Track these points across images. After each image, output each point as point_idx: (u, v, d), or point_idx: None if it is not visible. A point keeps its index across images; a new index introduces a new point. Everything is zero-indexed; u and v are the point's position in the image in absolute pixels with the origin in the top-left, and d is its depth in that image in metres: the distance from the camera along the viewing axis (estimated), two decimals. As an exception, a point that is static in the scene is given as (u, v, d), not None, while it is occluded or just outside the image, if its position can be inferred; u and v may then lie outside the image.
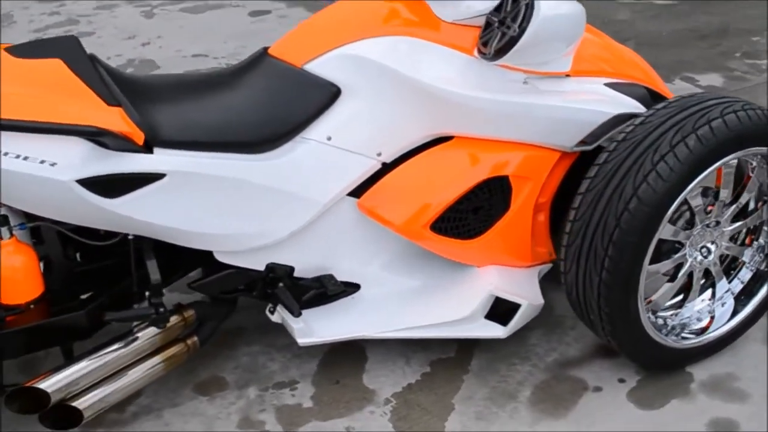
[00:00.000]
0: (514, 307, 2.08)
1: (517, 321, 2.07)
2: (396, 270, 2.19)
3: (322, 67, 2.00)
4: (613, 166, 1.93)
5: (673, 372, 2.15)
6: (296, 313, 2.01)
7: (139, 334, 1.90)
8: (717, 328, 2.17)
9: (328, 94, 2.00)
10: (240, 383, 2.14)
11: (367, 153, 2.04)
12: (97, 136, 1.71)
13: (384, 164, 2.07)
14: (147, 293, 1.90)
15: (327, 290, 2.09)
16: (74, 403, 1.77)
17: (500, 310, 2.09)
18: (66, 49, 1.82)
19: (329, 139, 2.00)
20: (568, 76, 2.13)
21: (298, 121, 1.98)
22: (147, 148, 1.81)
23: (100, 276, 1.97)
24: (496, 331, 2.07)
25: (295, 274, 2.08)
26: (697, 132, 1.88)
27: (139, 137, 1.78)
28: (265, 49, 2.10)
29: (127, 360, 1.88)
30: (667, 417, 2.03)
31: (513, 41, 1.93)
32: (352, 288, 2.15)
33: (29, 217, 1.85)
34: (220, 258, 2.01)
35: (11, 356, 1.84)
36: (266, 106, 1.97)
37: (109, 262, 1.96)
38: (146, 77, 2.09)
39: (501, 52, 1.96)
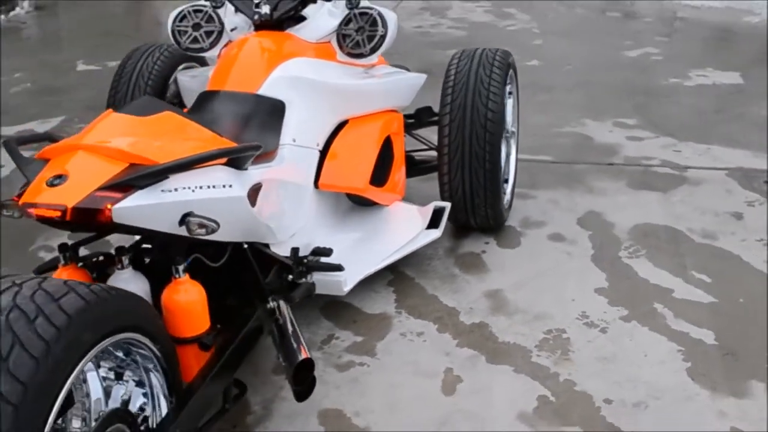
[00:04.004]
0: (439, 213, 2.96)
1: (443, 222, 2.95)
2: (341, 230, 2.85)
3: (267, 89, 2.56)
4: (460, 100, 2.97)
5: (504, 227, 3.29)
6: (342, 268, 2.55)
7: (284, 310, 2.23)
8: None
9: (280, 108, 2.57)
10: (299, 355, 2.56)
11: (313, 145, 2.67)
12: (256, 150, 2.06)
13: (320, 152, 2.72)
14: (290, 276, 2.27)
15: (327, 255, 2.65)
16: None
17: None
18: (160, 103, 2.07)
19: (294, 140, 2.57)
20: (374, 65, 3.07)
21: (274, 132, 2.52)
22: None
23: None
24: (436, 234, 2.91)
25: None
26: (494, 65, 3.04)
27: None
28: (209, 90, 2.54)
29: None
30: (528, 246, 3.17)
31: (382, 39, 2.82)
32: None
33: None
34: (274, 250, 2.43)
35: (235, 369, 2.04)
36: (257, 125, 2.46)
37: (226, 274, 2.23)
38: None
39: (376, 48, 2.82)
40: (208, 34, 2.94)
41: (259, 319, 2.16)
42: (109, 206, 1.75)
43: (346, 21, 2.85)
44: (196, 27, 2.95)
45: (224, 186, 1.99)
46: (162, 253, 2.15)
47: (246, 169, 2.13)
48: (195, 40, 2.94)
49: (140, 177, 1.80)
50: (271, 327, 2.20)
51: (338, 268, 2.55)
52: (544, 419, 2.25)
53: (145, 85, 3.20)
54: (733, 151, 4.00)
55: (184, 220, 1.86)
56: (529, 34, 6.30)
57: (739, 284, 2.87)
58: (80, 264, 2.09)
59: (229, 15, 2.98)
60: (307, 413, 2.29)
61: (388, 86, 2.97)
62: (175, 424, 1.74)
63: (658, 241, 3.17)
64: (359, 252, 2.78)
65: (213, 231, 1.87)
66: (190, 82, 3.04)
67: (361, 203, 2.98)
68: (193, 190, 1.90)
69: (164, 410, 1.81)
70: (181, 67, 3.35)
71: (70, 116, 4.80)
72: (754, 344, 2.54)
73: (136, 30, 7.19)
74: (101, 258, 2.22)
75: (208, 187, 1.95)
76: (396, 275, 2.97)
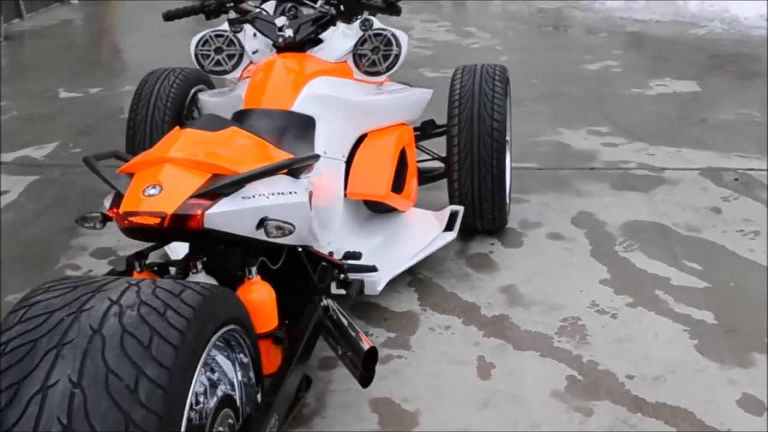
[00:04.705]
0: (453, 216, 3.18)
1: (457, 224, 3.18)
2: (364, 236, 3.05)
3: (299, 107, 2.76)
4: (467, 112, 3.21)
5: (505, 229, 3.53)
6: (376, 269, 2.75)
7: (334, 307, 2.42)
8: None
9: (312, 123, 2.77)
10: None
11: (340, 157, 2.88)
12: (317, 159, 2.26)
13: (345, 163, 2.93)
14: (340, 275, 2.46)
15: (357, 258, 2.85)
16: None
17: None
18: (224, 119, 2.25)
19: (325, 153, 2.78)
20: (382, 83, 3.30)
21: (310, 146, 2.72)
22: None
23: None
24: (451, 236, 3.14)
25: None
26: (495, 75, 3.30)
27: None
28: (246, 108, 2.73)
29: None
30: (530, 245, 3.42)
31: (397, 57, 3.05)
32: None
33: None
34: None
35: (307, 361, 2.23)
36: (294, 139, 2.65)
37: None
38: None
39: (391, 66, 3.05)
40: (230, 57, 3.13)
41: (316, 316, 2.34)
42: (201, 212, 1.92)
43: (361, 42, 3.08)
44: (218, 51, 3.14)
45: (291, 192, 2.17)
46: (221, 260, 2.30)
47: (299, 178, 2.32)
48: (218, 63, 3.13)
49: (225, 185, 1.98)
50: (326, 323, 2.38)
51: (373, 269, 2.75)
52: (576, 395, 2.48)
53: (164, 107, 3.36)
54: (701, 152, 4.34)
55: (261, 224, 2.04)
56: (493, 51, 6.62)
57: (727, 270, 3.16)
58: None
59: (248, 39, 3.18)
60: (359, 403, 2.48)
61: (399, 101, 3.19)
62: (272, 410, 1.91)
63: (649, 236, 3.45)
64: (383, 255, 2.98)
65: (290, 233, 2.06)
66: (215, 102, 3.20)
67: (377, 210, 3.20)
68: (267, 197, 2.08)
69: (246, 399, 1.97)
70: (194, 89, 3.53)
71: (63, 141, 4.91)
72: (749, 321, 2.82)
73: (104, 58, 7.31)
74: (155, 268, 2.37)
75: (279, 193, 2.13)
76: (414, 277, 3.18)
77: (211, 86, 3.69)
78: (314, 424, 2.40)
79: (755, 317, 2.84)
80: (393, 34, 3.06)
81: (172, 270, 2.30)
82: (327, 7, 3.01)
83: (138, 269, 2.19)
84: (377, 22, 3.11)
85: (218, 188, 1.98)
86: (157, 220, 1.90)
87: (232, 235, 2.04)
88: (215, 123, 2.22)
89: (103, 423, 1.43)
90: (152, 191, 1.94)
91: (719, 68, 5.93)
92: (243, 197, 2.02)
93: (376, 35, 3.07)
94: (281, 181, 2.19)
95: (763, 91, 5.37)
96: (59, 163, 4.61)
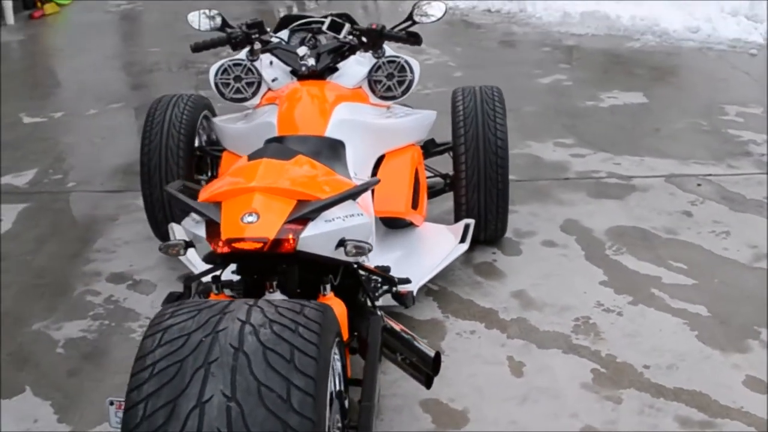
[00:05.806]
0: (465, 229, 3.42)
1: (469, 236, 3.42)
2: (386, 251, 3.27)
3: (331, 132, 2.97)
4: (472, 131, 3.46)
5: (503, 239, 3.79)
6: (410, 281, 2.96)
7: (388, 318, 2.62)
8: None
9: (342, 147, 2.98)
10: (378, 359, 2.94)
11: (365, 178, 3.09)
12: (377, 183, 2.48)
13: (370, 183, 3.14)
14: (394, 288, 2.66)
15: (387, 272, 3.07)
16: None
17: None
18: (289, 148, 2.43)
19: (356, 174, 2.98)
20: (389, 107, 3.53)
21: (345, 169, 2.92)
22: None
23: None
24: (464, 247, 3.38)
25: None
26: (494, 96, 3.56)
27: None
28: (282, 135, 2.91)
29: None
30: (529, 252, 3.70)
31: (411, 83, 3.29)
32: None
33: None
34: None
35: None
36: (333, 163, 2.85)
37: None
38: None
39: (406, 91, 3.29)
40: (249, 84, 3.30)
41: (381, 326, 2.54)
42: (294, 237, 2.11)
43: (375, 68, 3.30)
44: (237, 79, 3.31)
45: (359, 215, 2.37)
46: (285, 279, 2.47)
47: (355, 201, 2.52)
48: (238, 90, 3.29)
49: (313, 211, 2.17)
50: (383, 334, 2.59)
51: (407, 281, 2.97)
52: (603, 386, 2.75)
53: (178, 133, 3.49)
54: (663, 160, 4.71)
55: (341, 244, 2.24)
56: (446, 67, 6.91)
57: (709, 268, 3.51)
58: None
59: (264, 67, 3.36)
60: (411, 405, 2.69)
61: (410, 123, 3.42)
62: (371, 414, 2.10)
63: (633, 239, 3.78)
64: (405, 267, 3.20)
65: (369, 251, 2.26)
66: (238, 128, 3.34)
67: (392, 226, 3.42)
68: (343, 219, 2.28)
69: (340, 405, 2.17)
70: (202, 114, 3.68)
71: (42, 168, 4.92)
72: (738, 312, 3.16)
73: (58, 81, 7.26)
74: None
75: (350, 216, 2.33)
76: (430, 287, 3.40)
77: (213, 112, 3.84)
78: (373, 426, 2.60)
79: (742, 308, 3.19)
80: (406, 61, 3.30)
81: (228, 291, 2.47)
82: (350, 37, 3.22)
83: (215, 291, 2.36)
84: (389, 50, 3.34)
85: (307, 213, 2.16)
86: (260, 245, 2.08)
87: (318, 256, 2.22)
88: (284, 152, 2.41)
89: (262, 431, 1.61)
90: (250, 218, 2.11)
91: (660, 80, 6.37)
92: (325, 221, 2.22)
93: (389, 62, 3.30)
94: (347, 204, 2.38)
95: (702, 101, 5.83)
96: (45, 190, 4.64)
